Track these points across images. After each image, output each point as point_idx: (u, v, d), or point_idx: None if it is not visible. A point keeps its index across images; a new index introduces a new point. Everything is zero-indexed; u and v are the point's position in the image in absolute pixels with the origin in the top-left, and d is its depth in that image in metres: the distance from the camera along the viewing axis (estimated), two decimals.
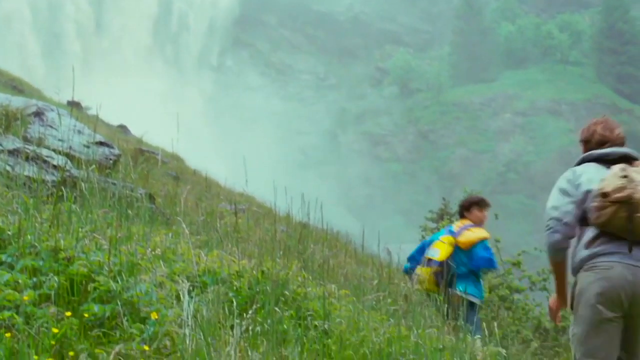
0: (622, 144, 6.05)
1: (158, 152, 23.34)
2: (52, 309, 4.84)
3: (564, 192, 5.84)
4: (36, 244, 5.52)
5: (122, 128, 33.64)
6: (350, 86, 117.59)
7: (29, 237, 5.57)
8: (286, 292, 6.50)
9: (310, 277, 7.27)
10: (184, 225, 6.87)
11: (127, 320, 5.01)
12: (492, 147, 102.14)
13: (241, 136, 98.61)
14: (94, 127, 9.36)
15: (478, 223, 10.67)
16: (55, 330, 4.64)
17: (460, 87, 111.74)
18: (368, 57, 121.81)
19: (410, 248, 11.40)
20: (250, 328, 5.65)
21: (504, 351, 7.53)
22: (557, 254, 5.82)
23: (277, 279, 6.48)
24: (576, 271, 5.76)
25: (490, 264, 10.36)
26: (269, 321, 5.73)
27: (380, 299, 8.03)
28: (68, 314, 4.83)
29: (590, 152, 6.05)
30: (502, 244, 14.00)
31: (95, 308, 5.04)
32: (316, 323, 6.30)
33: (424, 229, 17.10)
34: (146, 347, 4.72)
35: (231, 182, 21.22)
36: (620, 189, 5.42)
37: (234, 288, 6.32)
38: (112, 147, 14.52)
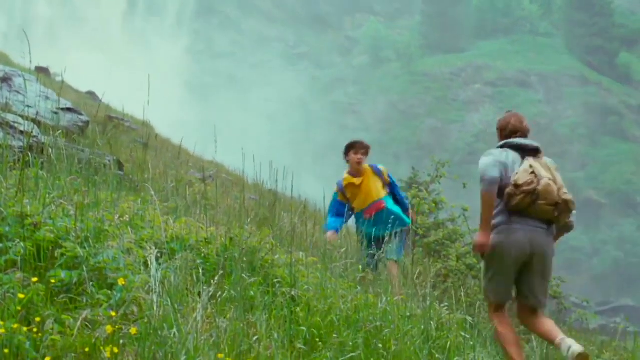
0: (528, 133, 8.08)
1: (127, 119, 23.19)
2: (19, 275, 4.82)
3: (498, 162, 7.62)
4: (2, 210, 5.48)
5: (91, 95, 33.32)
6: (320, 55, 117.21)
7: None
8: (254, 259, 6.51)
9: (279, 245, 7.28)
10: (153, 192, 6.84)
11: (94, 287, 5.00)
12: (462, 117, 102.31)
13: (210, 104, 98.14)
14: (60, 92, 9.27)
15: (352, 166, 10.95)
16: (21, 296, 4.62)
17: (431, 57, 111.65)
18: (338, 26, 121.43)
19: None
20: (217, 295, 5.66)
21: (470, 319, 7.60)
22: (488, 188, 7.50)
23: (246, 246, 6.48)
24: (491, 231, 7.57)
25: None
26: (236, 288, 5.74)
27: (348, 267, 8.06)
28: (34, 279, 4.81)
29: (510, 140, 7.91)
30: (470, 212, 14.06)
31: (62, 274, 5.02)
32: (284, 290, 6.32)
33: None
34: (113, 313, 4.71)
35: (200, 150, 21.14)
36: (529, 183, 7.38)
37: (202, 255, 6.33)
38: (81, 114, 14.43)
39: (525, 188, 7.35)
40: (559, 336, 7.22)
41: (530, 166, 7.49)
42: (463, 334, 6.98)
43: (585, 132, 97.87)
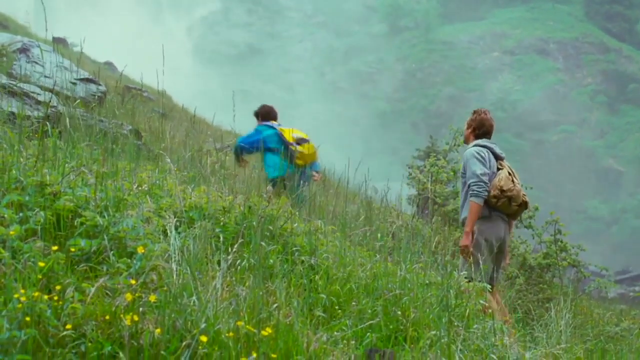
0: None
1: (145, 89, 23.22)
2: (39, 244, 4.83)
3: (484, 165, 9.01)
4: (22, 179, 5.49)
5: (109, 65, 33.38)
6: (338, 24, 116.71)
7: (14, 172, 5.54)
8: (272, 228, 6.52)
9: (297, 213, 7.28)
10: (169, 160, 6.85)
11: (114, 255, 5.01)
12: (480, 85, 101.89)
13: (228, 74, 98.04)
14: (78, 62, 9.26)
15: None
16: (41, 265, 4.63)
17: (449, 25, 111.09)
18: None
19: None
20: (236, 263, 5.67)
21: (489, 287, 7.59)
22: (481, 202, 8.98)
23: (264, 214, 6.49)
24: (479, 219, 8.98)
25: None
26: (255, 256, 5.75)
27: (366, 235, 8.06)
28: (55, 248, 4.83)
29: (487, 144, 9.22)
30: None
31: (82, 243, 5.04)
32: (303, 258, 6.33)
33: (410, 166, 17.08)
34: (133, 281, 4.72)
35: (218, 120, 21.17)
36: (511, 189, 8.92)
37: (221, 223, 6.33)
38: (99, 84, 14.44)
39: (508, 194, 8.93)
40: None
41: (509, 173, 9.08)
42: (482, 301, 6.98)
43: (604, 100, 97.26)
